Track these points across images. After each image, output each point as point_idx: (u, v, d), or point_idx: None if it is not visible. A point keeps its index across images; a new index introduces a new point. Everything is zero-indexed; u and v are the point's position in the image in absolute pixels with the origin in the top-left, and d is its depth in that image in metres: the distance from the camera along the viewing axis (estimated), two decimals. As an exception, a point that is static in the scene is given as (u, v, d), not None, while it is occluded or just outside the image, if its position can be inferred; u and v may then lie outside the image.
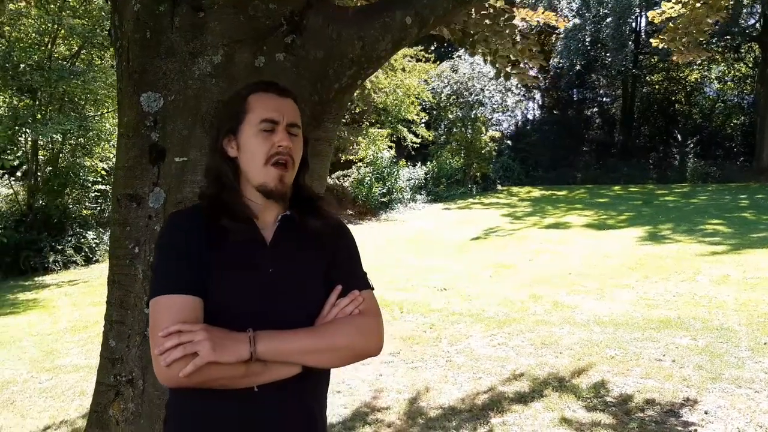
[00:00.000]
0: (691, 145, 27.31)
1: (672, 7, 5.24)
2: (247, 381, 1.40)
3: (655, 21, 5.45)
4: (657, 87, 32.69)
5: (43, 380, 5.92)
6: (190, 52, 1.85)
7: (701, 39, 5.27)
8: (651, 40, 6.05)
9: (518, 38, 3.98)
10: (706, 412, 4.39)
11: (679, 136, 30.18)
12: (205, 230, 1.48)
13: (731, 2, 5.30)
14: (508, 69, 4.03)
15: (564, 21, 4.90)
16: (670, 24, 5.29)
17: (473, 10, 3.60)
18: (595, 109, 35.07)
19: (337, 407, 4.80)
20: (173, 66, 1.85)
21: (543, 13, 4.62)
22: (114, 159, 14.04)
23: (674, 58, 5.55)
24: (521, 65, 4.14)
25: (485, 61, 4.10)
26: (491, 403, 4.72)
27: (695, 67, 29.54)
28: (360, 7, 2.05)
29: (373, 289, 1.63)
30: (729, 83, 31.88)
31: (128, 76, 1.92)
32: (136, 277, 1.87)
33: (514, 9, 3.98)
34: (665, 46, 5.37)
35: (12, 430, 4.81)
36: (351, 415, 4.66)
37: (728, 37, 25.61)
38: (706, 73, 31.19)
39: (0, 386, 5.80)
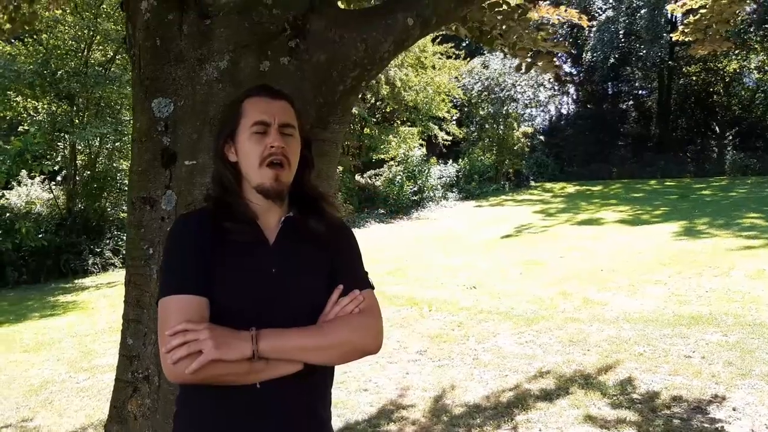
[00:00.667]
0: (730, 137, 26.76)
1: (695, -1, 5.17)
2: (250, 378, 1.45)
3: (676, 13, 5.38)
4: (694, 78, 32.02)
5: (80, 380, 6.10)
6: (197, 59, 1.91)
7: (725, 30, 5.18)
8: (671, 35, 5.96)
9: (536, 31, 3.96)
10: (734, 409, 4.33)
11: (717, 128, 29.56)
12: (211, 232, 1.53)
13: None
14: (529, 59, 4.01)
15: (587, 19, 4.85)
16: (692, 16, 5.22)
17: (487, 6, 3.60)
18: (631, 103, 34.56)
19: (363, 405, 4.85)
20: (182, 72, 1.92)
21: (566, 10, 4.58)
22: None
23: (697, 50, 5.47)
24: (545, 54, 4.11)
25: (505, 55, 4.09)
26: (516, 401, 4.72)
27: (733, 57, 28.87)
28: (362, 10, 2.10)
29: (373, 288, 1.66)
30: (769, 73, 31.06)
31: (140, 83, 2.00)
32: (150, 277, 1.95)
33: (533, 5, 3.97)
34: (687, 39, 5.29)
35: (50, 428, 4.97)
36: (376, 413, 4.71)
37: (766, 26, 24.93)
38: (744, 63, 30.44)
39: (39, 386, 5.99)
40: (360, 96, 20.22)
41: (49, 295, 11.23)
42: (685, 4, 5.45)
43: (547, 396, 4.78)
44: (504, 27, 3.49)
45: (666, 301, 7.31)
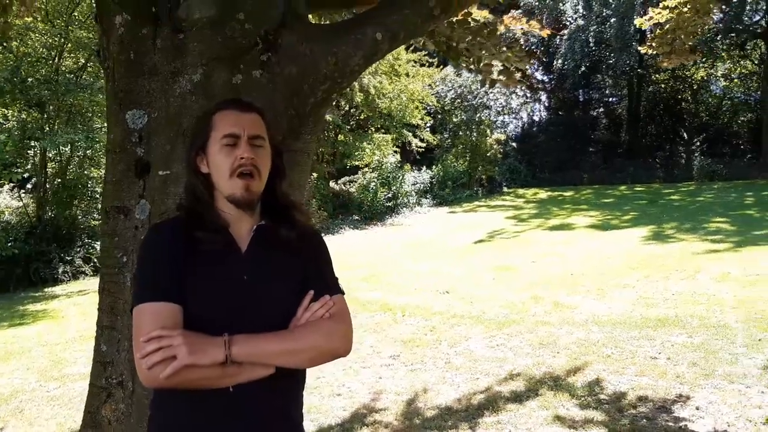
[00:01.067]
0: (698, 144, 27.25)
1: (659, 13, 5.33)
2: (223, 382, 1.50)
3: (643, 27, 5.54)
4: (663, 86, 32.67)
5: (51, 389, 6.05)
6: (171, 72, 1.96)
7: (690, 43, 5.35)
8: (639, 48, 6.13)
9: (503, 48, 4.08)
10: (697, 408, 4.47)
11: (685, 134, 30.11)
12: (184, 241, 1.58)
13: (722, 5, 5.37)
14: (494, 77, 4.12)
15: (557, 29, 4.99)
16: (658, 30, 5.38)
17: (456, 22, 3.71)
18: (601, 110, 35.10)
19: (336, 410, 4.90)
20: (156, 85, 1.97)
21: (527, 22, 4.71)
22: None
23: (664, 63, 5.63)
24: (510, 69, 4.23)
25: (470, 71, 4.21)
26: (487, 403, 4.81)
27: (701, 65, 29.50)
28: (332, 25, 2.16)
29: (343, 293, 1.72)
30: (735, 80, 31.79)
31: (114, 95, 2.04)
32: (124, 284, 1.99)
33: (498, 21, 4.08)
34: (654, 52, 5.45)
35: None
36: (350, 416, 4.76)
37: (733, 34, 25.54)
38: (712, 70, 31.12)
39: (9, 395, 5.94)
40: (334, 103, 20.31)
41: (18, 304, 11.09)
42: (651, 18, 5.62)
43: (517, 398, 4.87)
44: (472, 43, 3.58)
45: (634, 304, 7.47)
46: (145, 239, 1.67)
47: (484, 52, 4.19)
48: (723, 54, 28.21)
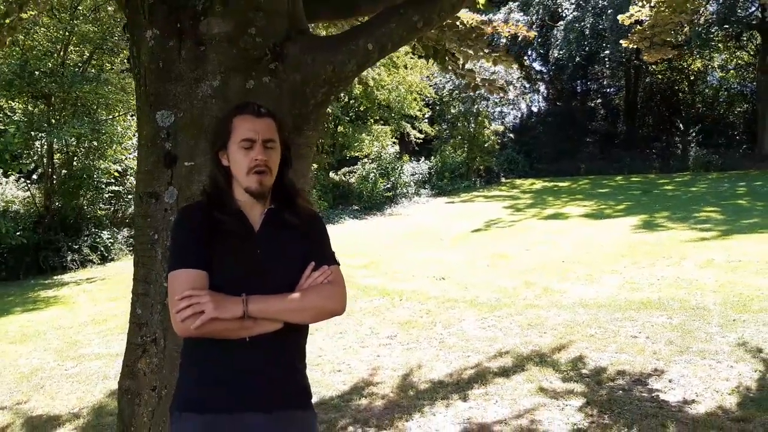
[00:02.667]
0: (694, 134, 27.57)
1: (639, 10, 5.66)
2: (241, 333, 1.87)
3: (625, 23, 5.87)
4: (660, 77, 32.93)
5: (68, 367, 6.43)
6: (194, 78, 2.32)
7: (667, 39, 5.68)
8: (621, 41, 6.47)
9: (487, 50, 4.42)
10: (670, 381, 4.84)
11: (681, 125, 30.42)
12: (208, 221, 1.95)
13: (697, 3, 5.70)
14: (478, 81, 4.47)
15: (533, 33, 5.34)
16: (638, 26, 5.72)
17: (445, 26, 4.05)
18: (599, 100, 35.37)
19: (337, 384, 5.29)
20: (181, 89, 2.33)
21: (513, 25, 5.04)
22: (126, 161, 14.58)
23: (645, 57, 5.97)
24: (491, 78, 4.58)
25: (455, 74, 4.56)
26: (476, 377, 5.19)
27: (697, 56, 29.77)
28: (330, 37, 2.51)
29: (339, 264, 2.08)
30: (731, 71, 32.07)
31: (145, 98, 2.40)
32: (156, 258, 2.35)
33: (486, 24, 4.43)
34: (634, 46, 5.78)
35: (44, 410, 5.32)
36: (349, 389, 5.14)
37: (727, 26, 25.79)
38: (708, 61, 31.38)
39: (30, 373, 6.32)
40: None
41: (30, 290, 11.46)
42: (632, 15, 5.96)
43: (505, 372, 5.25)
44: (459, 46, 3.93)
45: (620, 288, 7.84)
46: (176, 219, 2.03)
47: (470, 52, 4.54)
48: (719, 45, 28.46)
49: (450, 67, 4.55)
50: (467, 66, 4.76)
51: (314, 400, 4.81)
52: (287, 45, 2.37)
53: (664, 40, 5.84)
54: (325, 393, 5.07)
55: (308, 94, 2.41)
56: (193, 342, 1.93)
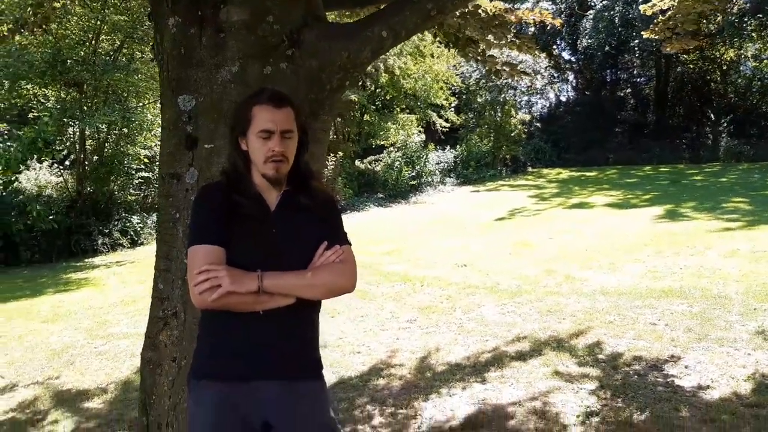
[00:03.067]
0: (725, 124, 27.12)
1: (662, 0, 5.64)
2: (255, 306, 1.97)
3: (647, 13, 5.84)
4: (692, 66, 32.33)
5: (98, 345, 6.65)
6: (214, 64, 2.42)
7: (689, 29, 5.66)
8: (642, 33, 6.43)
9: (510, 38, 4.46)
10: (686, 367, 4.87)
11: (712, 115, 29.92)
12: (226, 200, 2.06)
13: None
14: (499, 66, 4.52)
15: (559, 20, 5.35)
16: (661, 16, 5.69)
17: (468, 13, 4.11)
18: (629, 90, 34.90)
19: (356, 365, 5.41)
20: (202, 75, 2.43)
21: (540, 12, 5.06)
22: (155, 147, 14.86)
23: (667, 48, 5.94)
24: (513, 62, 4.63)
25: (476, 61, 4.60)
26: (493, 360, 5.27)
27: (730, 45, 29.20)
28: (346, 24, 2.60)
29: (350, 245, 2.17)
30: (765, 61, 31.38)
31: (168, 83, 2.51)
32: (177, 235, 2.47)
33: (508, 13, 4.46)
34: (656, 37, 5.76)
35: (74, 384, 5.54)
36: (368, 370, 5.26)
37: (761, 15, 25.25)
38: (741, 51, 30.75)
39: (61, 350, 6.55)
40: (360, 84, 20.69)
41: (62, 272, 11.79)
42: (654, 4, 5.93)
43: (522, 356, 5.32)
44: (483, 35, 3.97)
45: (642, 277, 7.83)
46: (196, 197, 2.15)
47: (493, 40, 4.59)
48: (752, 35, 27.87)
49: (471, 54, 4.60)
50: (489, 52, 4.80)
51: (334, 379, 4.95)
52: (304, 32, 2.47)
53: (687, 30, 5.80)
54: (344, 373, 5.19)
55: (324, 79, 2.50)
56: (210, 314, 2.04)
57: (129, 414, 4.73)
